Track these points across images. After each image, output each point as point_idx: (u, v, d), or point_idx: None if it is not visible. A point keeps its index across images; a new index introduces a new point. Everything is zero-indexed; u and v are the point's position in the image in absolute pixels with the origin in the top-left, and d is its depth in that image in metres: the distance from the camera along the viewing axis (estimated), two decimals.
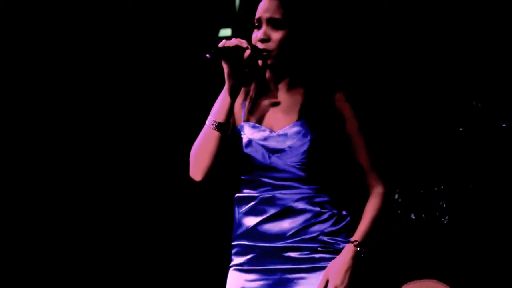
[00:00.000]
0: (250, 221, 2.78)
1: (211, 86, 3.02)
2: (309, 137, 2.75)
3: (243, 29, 2.79)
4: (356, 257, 2.71)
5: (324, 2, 2.98)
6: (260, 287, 2.74)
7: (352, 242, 2.72)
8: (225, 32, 4.53)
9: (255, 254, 2.76)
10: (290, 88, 2.84)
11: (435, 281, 4.04)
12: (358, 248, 2.71)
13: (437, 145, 4.32)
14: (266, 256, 2.75)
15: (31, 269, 4.77)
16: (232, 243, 2.84)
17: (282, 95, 2.84)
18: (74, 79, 4.79)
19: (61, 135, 4.79)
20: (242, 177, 2.82)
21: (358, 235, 2.74)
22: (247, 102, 2.85)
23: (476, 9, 4.29)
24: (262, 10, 2.79)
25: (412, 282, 4.09)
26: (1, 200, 4.75)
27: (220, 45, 2.70)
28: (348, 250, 2.71)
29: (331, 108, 2.79)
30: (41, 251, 4.77)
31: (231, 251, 2.84)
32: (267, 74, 2.85)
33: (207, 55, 2.69)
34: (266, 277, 2.74)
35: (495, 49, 4.25)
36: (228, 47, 2.71)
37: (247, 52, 2.72)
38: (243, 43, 2.73)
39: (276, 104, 2.83)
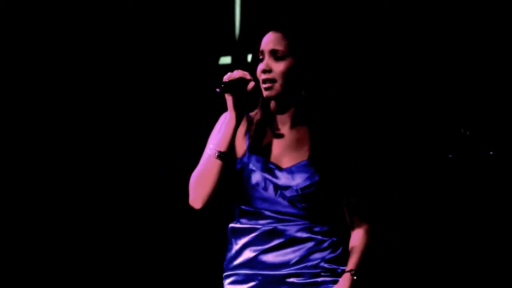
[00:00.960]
0: (250, 251, 2.83)
1: (211, 86, 3.02)
2: (316, 179, 2.79)
3: (243, 57, 2.83)
4: (353, 286, 2.77)
5: (326, 32, 2.99)
6: None
7: (349, 272, 2.78)
8: (225, 60, 4.50)
9: (256, 282, 2.81)
10: (294, 121, 2.86)
11: None
12: (355, 277, 2.77)
13: (425, 171, 4.33)
14: (269, 283, 2.80)
15: (31, 269, 4.77)
16: (227, 273, 2.87)
17: (287, 129, 2.86)
18: (74, 79, 4.79)
19: (61, 135, 4.79)
20: (243, 207, 2.86)
21: (352, 265, 2.80)
22: (251, 133, 2.88)
23: (472, 29, 4.28)
24: (265, 42, 2.83)
25: None
26: (1, 200, 4.76)
27: (225, 78, 2.78)
28: (345, 279, 2.78)
29: (337, 148, 2.82)
30: (41, 251, 4.78)
31: (223, 281, 2.87)
32: (271, 105, 2.88)
33: (217, 90, 2.78)
34: None
35: (486, 77, 4.25)
36: (233, 80, 2.78)
37: (251, 84, 2.79)
38: (247, 75, 2.80)
39: (282, 138, 2.86)
